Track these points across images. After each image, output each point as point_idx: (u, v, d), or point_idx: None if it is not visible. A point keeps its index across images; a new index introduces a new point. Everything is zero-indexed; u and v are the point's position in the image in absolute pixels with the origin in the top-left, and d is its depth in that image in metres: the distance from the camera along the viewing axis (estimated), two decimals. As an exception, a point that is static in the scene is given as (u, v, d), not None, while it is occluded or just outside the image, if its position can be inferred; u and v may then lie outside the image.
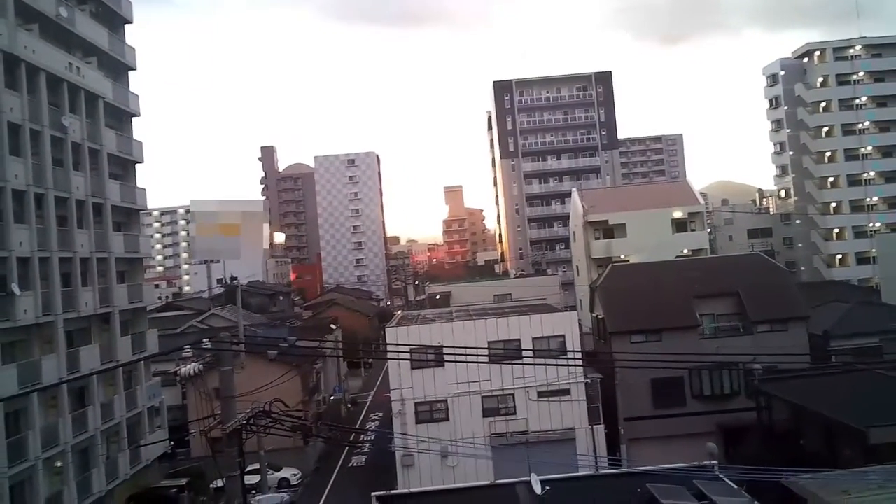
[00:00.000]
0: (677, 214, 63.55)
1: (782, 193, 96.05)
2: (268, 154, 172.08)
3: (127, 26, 46.68)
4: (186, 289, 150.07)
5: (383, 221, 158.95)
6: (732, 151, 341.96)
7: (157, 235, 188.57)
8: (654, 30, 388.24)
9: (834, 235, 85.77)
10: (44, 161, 35.32)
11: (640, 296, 42.38)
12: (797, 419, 33.57)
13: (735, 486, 20.07)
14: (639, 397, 39.94)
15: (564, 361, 37.75)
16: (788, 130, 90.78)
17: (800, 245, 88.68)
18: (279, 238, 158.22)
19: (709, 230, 72.88)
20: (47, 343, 34.60)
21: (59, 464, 34.06)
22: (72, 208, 37.49)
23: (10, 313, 31.42)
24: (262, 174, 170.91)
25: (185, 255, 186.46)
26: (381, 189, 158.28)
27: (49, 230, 35.07)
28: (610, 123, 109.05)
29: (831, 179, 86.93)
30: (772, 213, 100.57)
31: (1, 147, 31.86)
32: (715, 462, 22.10)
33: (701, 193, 70.57)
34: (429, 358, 38.80)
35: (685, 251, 61.55)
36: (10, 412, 31.41)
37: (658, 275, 45.06)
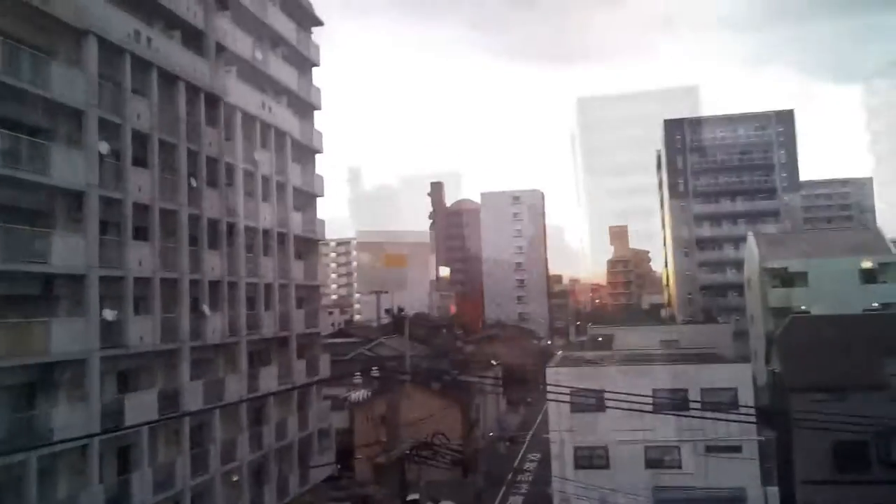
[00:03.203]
0: (866, 264, 58.99)
1: None
2: (436, 189, 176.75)
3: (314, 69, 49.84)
4: (357, 317, 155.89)
5: (546, 259, 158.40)
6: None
7: (333, 265, 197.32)
8: (824, 68, 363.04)
9: None
10: (237, 192, 38.16)
11: (823, 350, 39.48)
12: None
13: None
14: (818, 460, 37.01)
15: (736, 416, 35.79)
16: None
17: None
18: (444, 272, 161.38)
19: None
20: (231, 362, 37.02)
21: (235, 478, 36.11)
22: (259, 237, 40.17)
23: (201, 332, 33.93)
24: (431, 209, 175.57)
25: (356, 285, 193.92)
26: (544, 226, 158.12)
27: (238, 256, 37.73)
28: (791, 165, 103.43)
29: None
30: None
31: (199, 180, 34.75)
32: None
33: (894, 242, 65.17)
34: (589, 401, 38.01)
35: (875, 304, 56.90)
36: (195, 426, 33.74)
37: (844, 329, 41.82)
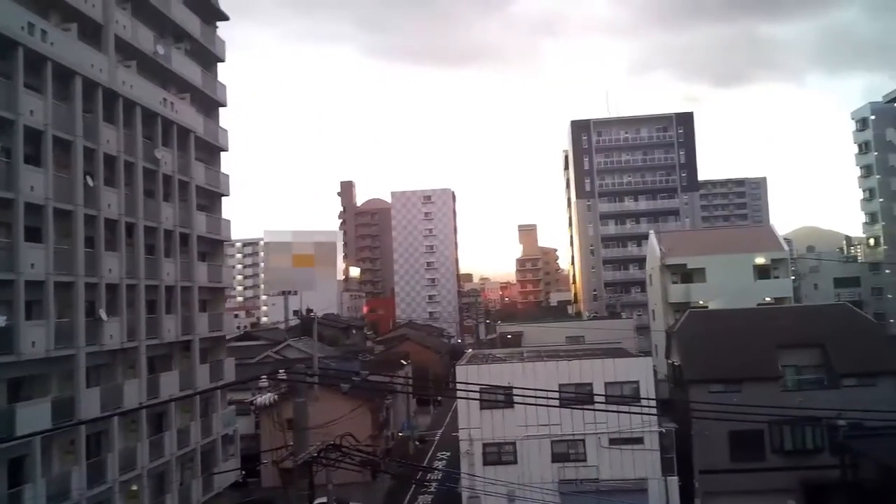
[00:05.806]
0: (760, 260, 61.72)
1: (871, 241, 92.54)
2: (347, 189, 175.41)
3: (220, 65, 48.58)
4: (264, 319, 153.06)
5: (457, 258, 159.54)
6: (819, 197, 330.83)
7: (239, 266, 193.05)
8: (703, 72, 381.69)
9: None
10: (136, 191, 36.79)
11: (719, 343, 41.19)
12: (885, 479, 31.85)
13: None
14: (716, 449, 38.55)
15: (638, 408, 36.84)
16: (878, 176, 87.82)
17: (889, 295, 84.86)
18: (354, 272, 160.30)
19: (793, 278, 70.50)
20: (130, 368, 35.68)
21: (134, 487, 34.83)
22: (160, 238, 38.83)
23: (97, 338, 32.57)
24: (341, 208, 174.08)
25: (263, 286, 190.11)
26: (455, 226, 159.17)
27: (137, 258, 36.39)
28: (690, 165, 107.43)
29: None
30: (860, 261, 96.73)
31: (97, 178, 33.33)
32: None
33: (785, 239, 68.49)
34: (498, 398, 38.44)
35: (767, 299, 59.64)
36: (92, 434, 32.38)
37: (739, 322, 43.76)
